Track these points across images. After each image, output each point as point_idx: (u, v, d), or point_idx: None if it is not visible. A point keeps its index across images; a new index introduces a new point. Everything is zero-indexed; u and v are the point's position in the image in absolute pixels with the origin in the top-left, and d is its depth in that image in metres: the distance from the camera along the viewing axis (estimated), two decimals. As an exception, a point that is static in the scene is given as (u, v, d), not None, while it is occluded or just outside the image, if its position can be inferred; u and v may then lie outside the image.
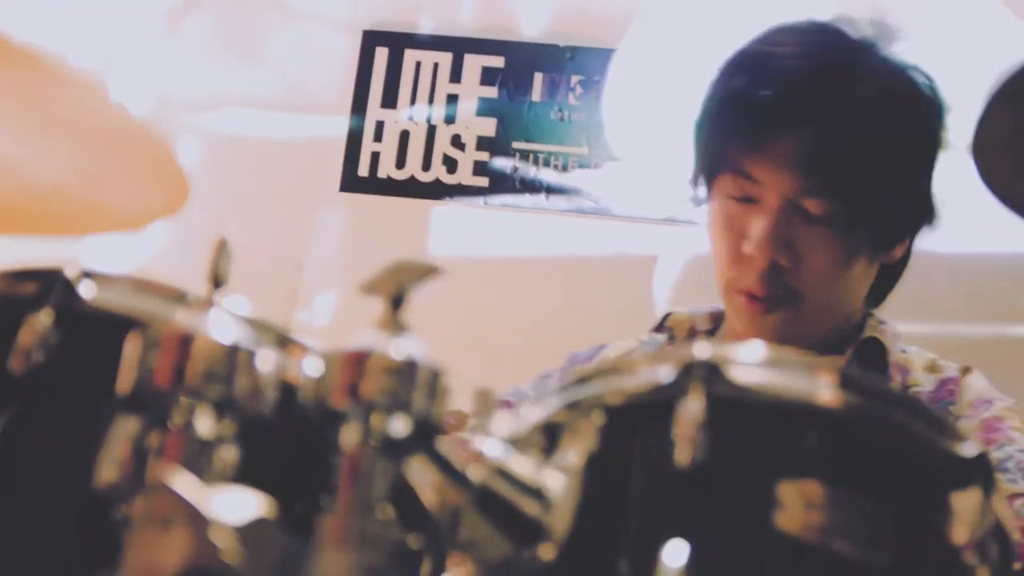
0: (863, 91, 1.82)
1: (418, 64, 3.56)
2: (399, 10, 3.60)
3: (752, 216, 1.85)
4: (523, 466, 0.98)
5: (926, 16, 3.33)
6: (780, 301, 1.88)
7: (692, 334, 2.11)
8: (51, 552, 1.01)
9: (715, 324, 2.08)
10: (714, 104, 1.93)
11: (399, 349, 0.90)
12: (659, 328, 2.14)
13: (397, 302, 0.93)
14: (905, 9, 3.25)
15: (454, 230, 3.47)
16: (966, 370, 1.99)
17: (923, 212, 1.95)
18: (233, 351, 0.94)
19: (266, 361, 0.96)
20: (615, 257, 3.09)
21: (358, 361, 0.90)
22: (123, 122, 1.85)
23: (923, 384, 1.96)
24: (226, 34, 3.67)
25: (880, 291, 2.07)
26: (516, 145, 3.49)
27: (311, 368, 0.95)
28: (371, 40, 3.57)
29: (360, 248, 3.40)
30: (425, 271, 0.93)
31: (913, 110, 1.88)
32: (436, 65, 3.55)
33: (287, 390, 0.98)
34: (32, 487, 1.04)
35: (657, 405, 0.99)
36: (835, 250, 1.86)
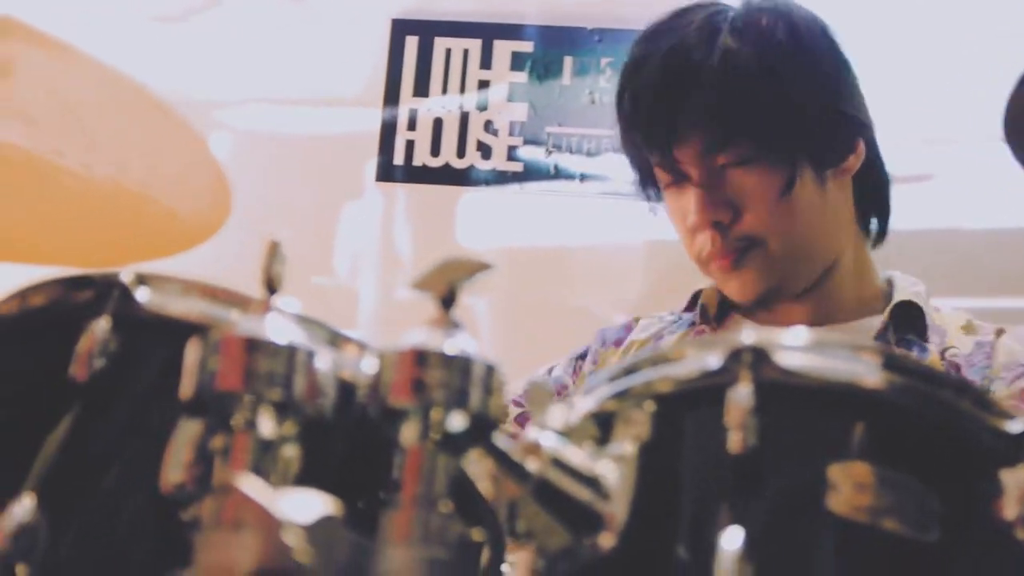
0: (725, 43, 1.96)
1: (448, 51, 3.59)
2: (424, -2, 3.65)
3: (686, 193, 1.99)
4: (578, 456, 1.00)
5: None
6: (743, 252, 1.99)
7: (724, 306, 2.15)
8: (120, 555, 1.05)
9: None
10: (619, 120, 2.09)
11: (454, 345, 0.93)
12: (690, 307, 2.20)
13: (448, 300, 0.95)
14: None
15: (491, 216, 3.52)
16: (1000, 331, 2.05)
17: (845, 121, 2.05)
18: (292, 352, 0.96)
19: (324, 361, 0.98)
20: (650, 241, 3.13)
21: (416, 358, 0.93)
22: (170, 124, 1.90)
23: (960, 347, 2.01)
24: (251, 30, 3.71)
25: (875, 218, 2.18)
26: (549, 130, 3.52)
27: (368, 366, 0.97)
28: (400, 29, 3.60)
29: (398, 237, 3.46)
30: (476, 267, 0.95)
31: (777, 38, 1.98)
32: (466, 52, 3.58)
33: (346, 389, 1.00)
34: (98, 492, 1.07)
35: (707, 392, 1.01)
36: (767, 184, 1.97)
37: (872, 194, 2.13)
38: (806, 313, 2.05)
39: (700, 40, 1.95)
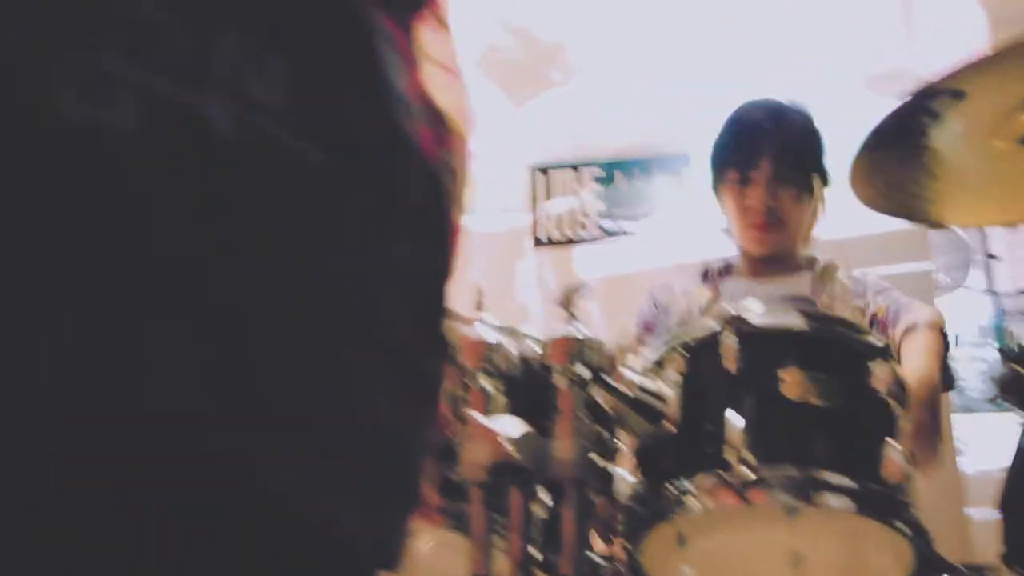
0: (789, 125, 3.06)
1: (559, 177, 6.18)
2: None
3: (747, 190, 3.03)
4: (649, 382, 1.87)
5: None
6: (771, 225, 3.04)
7: (720, 271, 3.23)
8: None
9: (728, 264, 3.24)
10: (724, 149, 3.15)
11: (579, 331, 1.77)
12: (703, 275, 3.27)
13: (567, 305, 1.79)
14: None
15: (591, 259, 5.99)
16: (865, 275, 3.20)
17: (823, 178, 3.10)
18: (494, 345, 1.81)
19: (511, 347, 1.82)
20: (678, 264, 4.42)
21: (563, 342, 1.77)
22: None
23: (850, 283, 3.12)
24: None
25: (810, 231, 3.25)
26: (614, 212, 5.97)
27: (537, 348, 1.81)
28: (533, 168, 6.17)
29: (545, 273, 5.46)
30: (580, 286, 1.81)
31: (810, 130, 3.09)
32: (568, 177, 6.15)
33: (526, 362, 1.84)
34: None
35: (712, 341, 1.87)
36: (792, 196, 3.02)
37: (814, 219, 3.21)
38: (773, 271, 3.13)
39: (783, 111, 3.11)
